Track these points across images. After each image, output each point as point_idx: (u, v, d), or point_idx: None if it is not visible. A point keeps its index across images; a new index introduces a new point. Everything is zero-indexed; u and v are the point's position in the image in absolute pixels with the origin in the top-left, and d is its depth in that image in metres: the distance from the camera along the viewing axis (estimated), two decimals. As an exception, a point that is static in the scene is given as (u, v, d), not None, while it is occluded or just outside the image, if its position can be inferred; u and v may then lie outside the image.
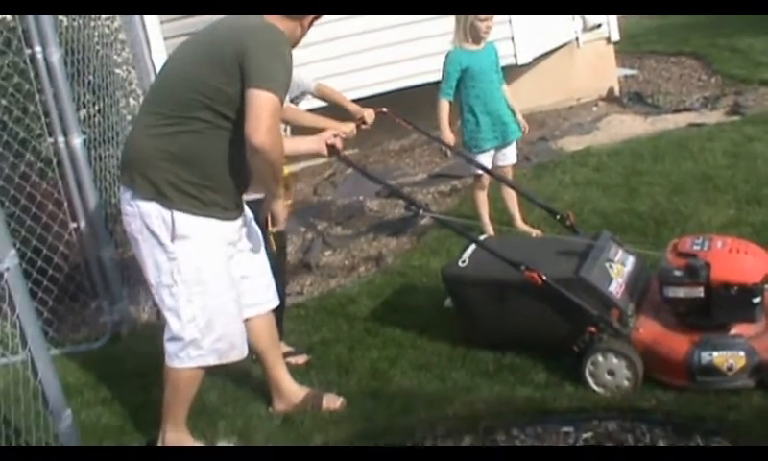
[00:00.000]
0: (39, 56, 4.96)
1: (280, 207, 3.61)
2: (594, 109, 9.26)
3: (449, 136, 5.48)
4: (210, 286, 3.58)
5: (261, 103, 3.29)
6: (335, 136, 3.92)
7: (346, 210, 7.06)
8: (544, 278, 3.82)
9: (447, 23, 5.61)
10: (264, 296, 3.98)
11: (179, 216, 3.48)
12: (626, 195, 6.12)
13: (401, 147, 8.70)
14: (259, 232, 3.97)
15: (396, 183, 7.30)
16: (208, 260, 3.57)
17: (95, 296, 5.35)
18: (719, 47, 11.35)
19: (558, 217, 4.66)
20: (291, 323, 4.97)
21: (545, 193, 6.34)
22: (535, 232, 5.57)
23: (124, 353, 5.05)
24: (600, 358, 3.72)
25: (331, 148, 3.90)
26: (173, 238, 3.50)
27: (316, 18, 3.69)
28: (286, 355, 4.38)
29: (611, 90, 9.67)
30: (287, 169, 4.48)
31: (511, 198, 5.73)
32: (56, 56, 4.98)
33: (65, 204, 5.16)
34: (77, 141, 5.09)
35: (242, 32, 3.43)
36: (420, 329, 4.61)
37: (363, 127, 4.81)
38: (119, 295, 5.37)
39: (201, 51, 3.52)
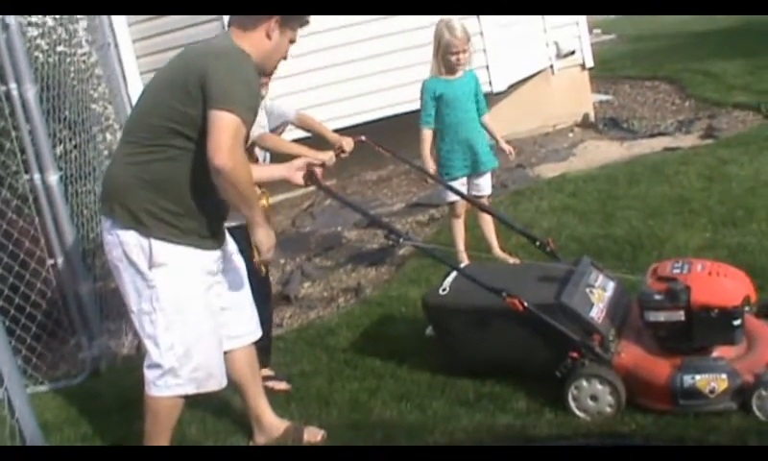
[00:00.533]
0: (15, 92, 4.96)
1: (262, 235, 3.57)
2: (570, 135, 9.34)
3: (430, 165, 5.50)
4: (188, 315, 3.58)
5: (222, 124, 3.27)
6: (309, 165, 3.93)
7: (324, 241, 7.07)
8: (525, 304, 3.83)
9: (426, 52, 5.64)
10: (246, 328, 3.96)
11: (156, 244, 3.48)
12: (602, 220, 6.16)
13: (379, 177, 8.73)
14: (242, 262, 3.96)
15: (374, 214, 7.31)
16: (186, 289, 3.57)
17: (74, 332, 5.32)
18: (692, 71, 11.50)
19: (537, 243, 4.66)
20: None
21: (523, 220, 6.37)
22: (512, 260, 5.59)
23: (104, 389, 5.03)
24: (583, 383, 3.72)
25: (308, 176, 3.91)
26: (151, 266, 3.50)
27: (293, 31, 3.66)
28: (266, 379, 4.38)
29: (586, 116, 9.76)
30: (265, 200, 4.50)
31: (488, 226, 5.74)
32: (31, 92, 4.99)
33: (42, 240, 5.14)
34: (53, 178, 5.08)
35: (206, 56, 3.44)
36: (400, 359, 4.60)
37: (342, 155, 4.82)
38: (98, 330, 5.35)
39: (169, 77, 3.53)
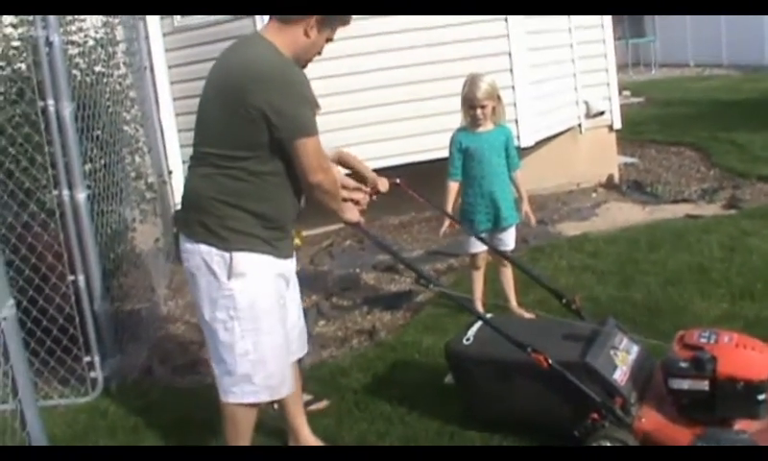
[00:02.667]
0: (51, 108, 5.03)
1: (349, 215, 3.93)
2: (594, 195, 9.34)
3: (445, 218, 5.51)
4: (263, 323, 3.69)
5: (306, 151, 3.54)
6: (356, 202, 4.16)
7: (342, 282, 7.08)
8: (550, 361, 3.81)
9: (454, 102, 5.68)
10: (297, 345, 4.10)
11: (236, 255, 3.60)
12: (621, 283, 6.15)
13: (400, 222, 8.75)
14: (297, 281, 4.10)
15: (393, 260, 7.33)
16: (263, 297, 3.68)
17: (87, 350, 5.33)
18: (719, 140, 11.49)
19: (564, 301, 4.63)
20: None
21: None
22: (528, 315, 5.58)
23: (112, 409, 5.05)
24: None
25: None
26: (230, 276, 3.61)
27: (332, 31, 3.74)
28: (307, 404, 4.52)
29: (610, 177, 9.77)
30: (299, 239, 4.69)
31: (507, 280, 5.75)
32: (68, 109, 5.06)
33: (65, 256, 5.18)
34: (81, 195, 5.14)
35: (258, 84, 3.50)
36: (411, 406, 4.59)
37: (373, 198, 4.86)
38: (111, 350, 5.38)
39: (227, 101, 3.57)
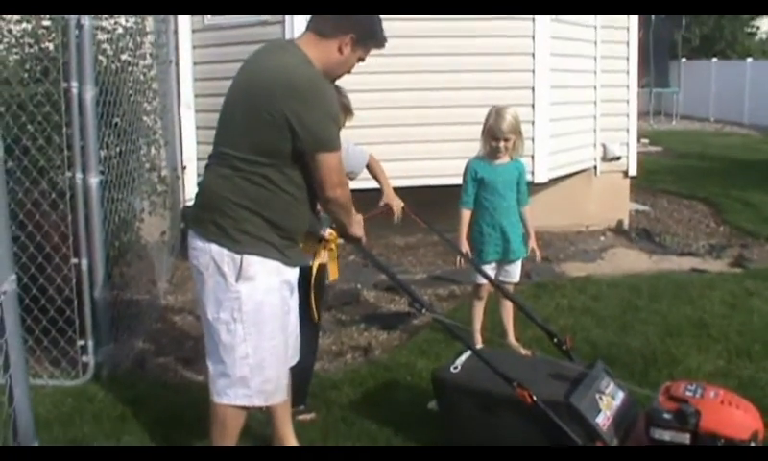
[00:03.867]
0: (74, 90, 5.06)
1: (357, 231, 4.01)
2: (602, 238, 9.35)
3: (464, 245, 5.51)
4: (266, 328, 3.71)
5: (327, 165, 3.59)
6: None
7: (342, 296, 7.08)
8: (534, 397, 3.81)
9: (476, 130, 5.69)
10: (291, 351, 4.08)
11: (247, 258, 3.62)
12: (620, 329, 6.14)
13: (406, 244, 8.76)
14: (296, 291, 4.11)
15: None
16: (269, 303, 3.70)
17: (82, 334, 5.34)
18: (732, 198, 11.51)
19: (555, 340, 4.61)
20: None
21: (542, 314, 6.31)
22: (524, 351, 5.59)
23: (100, 395, 5.04)
24: None
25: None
26: (238, 278, 3.63)
27: (366, 51, 3.79)
28: (295, 413, 4.52)
29: (620, 223, 9.78)
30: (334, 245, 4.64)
31: (507, 313, 5.74)
32: (90, 93, 5.09)
33: (71, 238, 5.19)
34: (94, 180, 5.16)
35: (286, 89, 3.52)
36: (397, 427, 4.57)
37: (388, 215, 4.88)
38: (106, 337, 5.37)
39: (255, 105, 3.58)
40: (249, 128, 3.59)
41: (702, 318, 6.39)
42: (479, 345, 5.61)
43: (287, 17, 7.65)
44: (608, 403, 3.99)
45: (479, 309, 5.74)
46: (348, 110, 4.57)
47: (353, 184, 5.01)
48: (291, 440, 4.23)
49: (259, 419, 4.36)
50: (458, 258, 5.54)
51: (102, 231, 5.27)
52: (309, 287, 4.46)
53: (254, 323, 3.68)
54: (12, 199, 5.20)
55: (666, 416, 3.67)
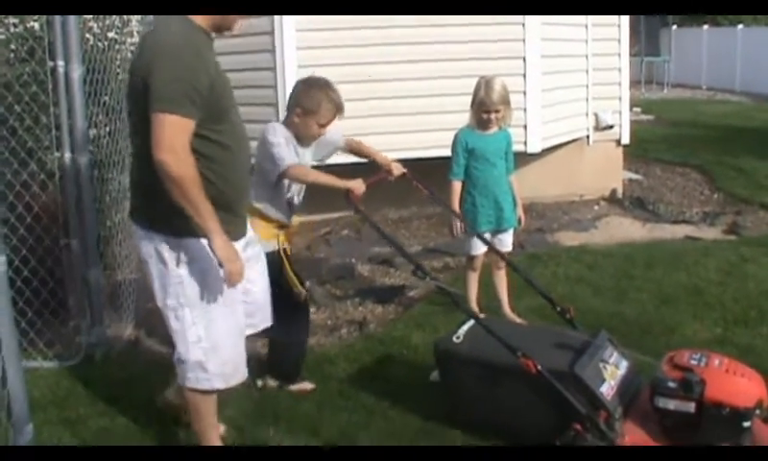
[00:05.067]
0: (61, 70, 5.01)
1: (220, 245, 3.49)
2: (595, 207, 9.33)
3: (458, 217, 5.50)
4: (214, 309, 3.68)
5: (160, 123, 3.32)
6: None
7: (336, 270, 7.07)
8: (539, 367, 3.80)
9: (466, 101, 5.65)
10: (260, 317, 4.13)
11: (185, 242, 3.58)
12: (615, 298, 6.13)
13: (400, 217, 8.74)
14: (263, 258, 4.14)
15: (389, 253, 7.33)
16: (211, 282, 3.64)
17: (75, 315, 5.32)
18: (725, 165, 11.50)
19: (558, 309, 4.61)
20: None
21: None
22: (520, 321, 5.58)
23: (95, 376, 5.02)
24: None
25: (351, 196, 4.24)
26: (179, 263, 3.61)
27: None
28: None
29: (613, 192, 9.76)
30: (297, 219, 4.77)
31: (502, 284, 5.74)
32: (77, 72, 5.04)
33: (61, 219, 5.16)
34: (83, 159, 5.12)
35: (144, 56, 3.47)
36: (394, 400, 4.58)
37: (389, 179, 4.86)
38: (99, 318, 5.35)
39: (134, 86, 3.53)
40: (136, 106, 3.52)
41: (697, 285, 6.39)
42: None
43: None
44: (612, 373, 3.97)
45: (473, 281, 5.73)
46: (339, 108, 4.56)
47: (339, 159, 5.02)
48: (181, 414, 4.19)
49: (254, 397, 4.34)
50: (455, 227, 5.53)
51: (93, 211, 5.24)
52: (282, 271, 4.58)
53: (201, 305, 3.65)
54: (0, 181, 5.17)
55: (671, 384, 3.66)
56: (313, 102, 4.49)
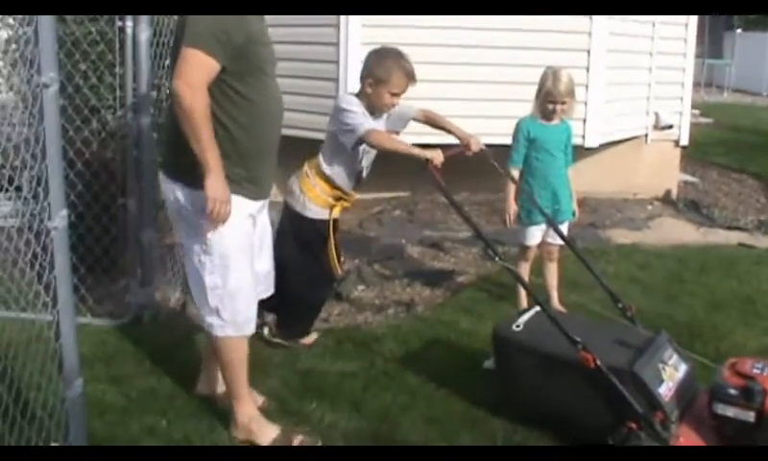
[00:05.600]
0: (129, 30, 5.04)
1: (212, 182, 3.56)
2: (649, 207, 9.21)
3: (512, 206, 5.46)
4: (232, 261, 3.79)
5: (186, 57, 3.46)
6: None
7: (386, 250, 7.06)
8: (597, 362, 3.76)
9: (528, 90, 5.59)
10: (263, 286, 4.22)
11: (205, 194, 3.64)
12: (665, 300, 6.05)
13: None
14: (269, 229, 4.24)
15: (440, 237, 7.31)
16: (231, 237, 3.75)
17: (126, 274, 5.37)
18: (784, 173, 11.31)
19: (620, 306, 4.54)
20: (310, 348, 5.03)
21: (586, 280, 6.24)
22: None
23: (143, 336, 5.07)
24: None
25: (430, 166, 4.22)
26: (199, 212, 3.67)
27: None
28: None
29: (668, 192, 9.63)
30: (354, 194, 4.88)
31: (552, 276, 5.69)
32: (145, 34, 5.07)
33: (119, 178, 5.20)
34: (145, 120, 5.14)
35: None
36: (438, 384, 4.57)
37: (467, 153, 4.82)
38: (149, 279, 5.39)
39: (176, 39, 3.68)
40: (174, 55, 3.64)
41: (749, 294, 6.29)
42: (524, 307, 5.57)
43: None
44: (670, 374, 3.91)
45: (525, 271, 5.67)
46: (411, 77, 4.59)
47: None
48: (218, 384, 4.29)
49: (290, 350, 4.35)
50: (508, 217, 5.50)
51: (151, 173, 5.26)
52: (326, 243, 4.74)
53: (220, 255, 3.75)
54: (62, 136, 5.21)
55: (732, 392, 3.59)
56: (384, 71, 4.53)
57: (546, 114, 5.43)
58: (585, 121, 8.21)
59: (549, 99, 5.36)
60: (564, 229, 5.65)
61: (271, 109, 3.81)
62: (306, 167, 4.80)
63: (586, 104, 8.13)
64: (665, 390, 3.79)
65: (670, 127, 9.64)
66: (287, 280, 4.60)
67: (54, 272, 3.21)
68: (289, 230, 4.83)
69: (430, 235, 7.47)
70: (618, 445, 3.67)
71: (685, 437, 3.67)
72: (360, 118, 4.48)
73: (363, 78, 4.64)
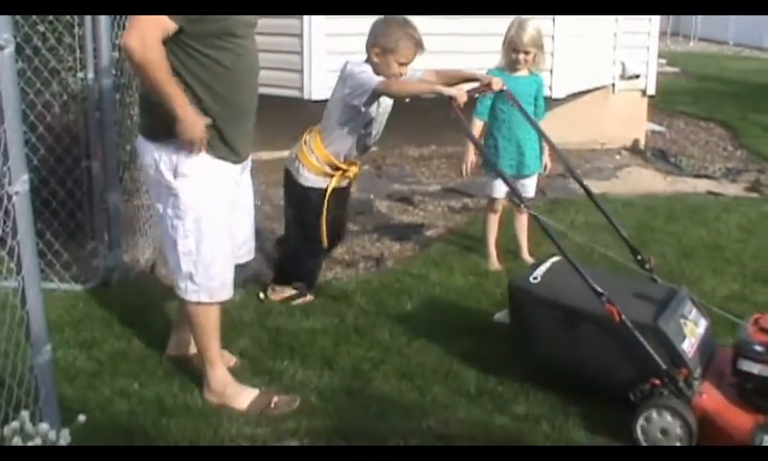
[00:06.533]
0: (86, -11, 4.93)
1: (185, 124, 3.55)
2: (617, 157, 9.26)
3: (470, 156, 5.46)
4: (206, 225, 3.74)
5: (134, 17, 3.43)
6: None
7: (355, 206, 7.00)
8: (623, 316, 3.68)
9: (492, 42, 5.56)
10: (245, 249, 4.18)
11: (181, 156, 3.64)
12: (638, 246, 6.07)
13: (420, 155, 8.69)
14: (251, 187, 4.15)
15: (408, 190, 7.29)
16: (207, 201, 3.73)
17: (93, 238, 5.31)
18: (750, 122, 11.39)
19: (638, 258, 4.46)
20: (281, 305, 5.00)
21: (556, 230, 6.29)
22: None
23: (111, 300, 5.02)
24: (655, 415, 3.58)
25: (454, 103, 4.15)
26: (176, 175, 3.66)
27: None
28: (291, 298, 5.05)
29: (636, 142, 9.67)
30: (355, 169, 4.91)
31: (522, 228, 5.71)
32: (103, -8, 4.96)
33: (82, 141, 5.12)
34: (107, 81, 5.05)
35: None
36: (409, 338, 4.59)
37: (489, 92, 4.81)
38: (117, 242, 5.33)
39: None
40: None
41: (717, 241, 6.35)
42: (494, 259, 5.59)
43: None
44: (692, 330, 3.85)
45: (494, 223, 5.70)
46: (418, 45, 4.55)
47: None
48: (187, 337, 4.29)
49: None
50: (466, 167, 5.54)
51: (114, 135, 5.19)
52: (319, 214, 4.73)
53: (194, 219, 3.72)
54: (22, 100, 5.11)
55: (758, 348, 3.54)
56: (391, 40, 4.49)
57: (512, 65, 5.41)
58: (551, 72, 8.19)
59: (513, 48, 5.35)
60: (532, 181, 5.65)
61: (243, 73, 3.74)
62: (306, 136, 4.80)
63: (552, 54, 8.09)
64: (688, 346, 3.75)
65: (637, 76, 9.65)
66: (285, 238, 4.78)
67: (17, 237, 3.15)
68: (285, 193, 4.95)
69: (399, 189, 7.48)
70: (638, 401, 3.63)
71: (708, 394, 3.64)
72: (372, 74, 4.48)
73: (368, 48, 4.59)
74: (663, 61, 17.11)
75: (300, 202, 4.86)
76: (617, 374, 3.78)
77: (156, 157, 3.69)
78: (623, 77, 9.60)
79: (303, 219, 4.87)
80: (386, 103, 4.76)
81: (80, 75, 5.05)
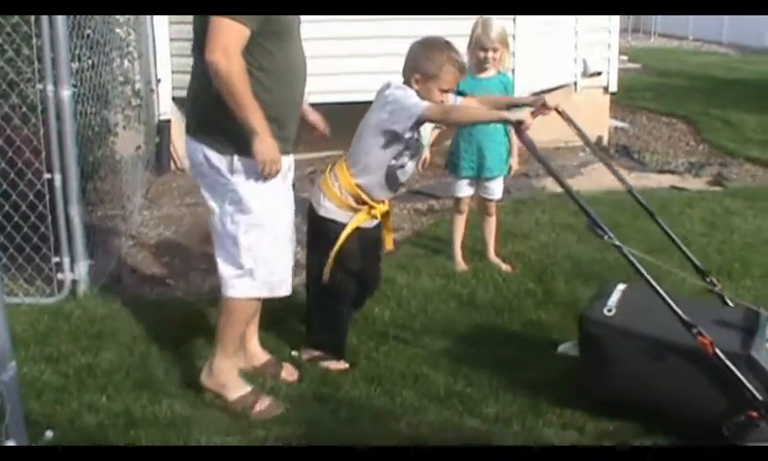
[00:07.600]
0: (42, 1, 4.88)
1: (261, 145, 3.56)
2: (581, 154, 9.30)
3: (426, 154, 5.50)
4: (266, 220, 3.78)
5: (215, 26, 3.46)
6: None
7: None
8: (716, 349, 3.49)
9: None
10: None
11: (236, 157, 3.68)
12: (601, 245, 5.99)
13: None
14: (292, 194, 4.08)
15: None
16: (265, 195, 3.75)
17: (57, 251, 5.25)
18: (711, 116, 11.48)
19: (707, 280, 4.27)
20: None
21: (522, 230, 6.34)
22: (505, 267, 5.58)
23: (77, 312, 4.97)
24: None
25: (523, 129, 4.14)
26: (232, 172, 3.69)
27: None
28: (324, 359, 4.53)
29: (599, 139, 9.73)
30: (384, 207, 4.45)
31: (490, 228, 5.72)
32: (60, 2, 4.91)
33: (43, 153, 5.07)
34: (66, 92, 4.98)
35: None
36: (377, 343, 4.58)
37: (545, 113, 4.70)
38: (81, 254, 5.27)
39: None
40: (200, 23, 3.61)
41: (683, 236, 6.30)
42: (459, 260, 5.60)
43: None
44: None
45: (460, 224, 5.70)
46: (462, 70, 4.27)
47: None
48: (254, 342, 4.34)
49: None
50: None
51: (75, 146, 5.12)
52: (332, 246, 4.23)
53: (255, 215, 3.74)
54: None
55: None
56: (434, 65, 4.12)
57: (478, 65, 5.41)
58: (513, 71, 8.18)
59: (480, 46, 5.36)
60: (496, 183, 5.66)
61: (297, 68, 3.81)
62: (332, 166, 4.39)
63: (513, 54, 8.11)
64: None
65: (598, 74, 9.72)
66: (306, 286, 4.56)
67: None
68: (307, 232, 4.51)
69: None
70: (733, 436, 3.49)
71: None
72: (419, 99, 4.08)
73: (407, 73, 4.20)
74: (625, 58, 17.28)
75: (317, 235, 4.39)
76: (708, 406, 3.61)
77: (208, 156, 3.72)
78: (585, 74, 9.65)
79: (321, 260, 4.30)
80: (423, 134, 4.51)
81: (39, 86, 4.99)
